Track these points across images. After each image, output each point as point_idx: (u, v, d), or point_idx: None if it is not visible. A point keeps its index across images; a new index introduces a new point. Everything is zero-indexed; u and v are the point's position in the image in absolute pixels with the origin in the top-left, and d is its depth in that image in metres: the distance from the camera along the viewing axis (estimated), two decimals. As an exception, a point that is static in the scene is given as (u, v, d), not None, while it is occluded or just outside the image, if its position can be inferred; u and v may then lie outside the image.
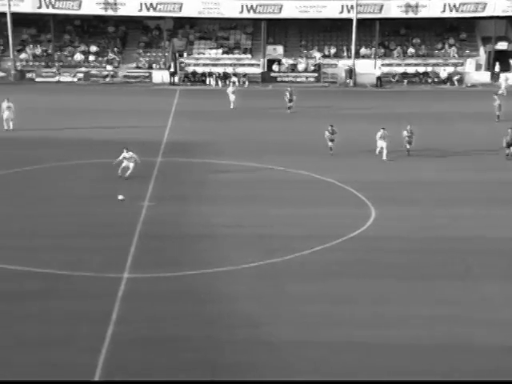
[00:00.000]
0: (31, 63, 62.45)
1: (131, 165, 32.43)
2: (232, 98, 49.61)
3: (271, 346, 18.59)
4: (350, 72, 60.79)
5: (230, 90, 50.54)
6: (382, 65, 61.18)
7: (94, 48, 63.59)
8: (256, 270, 23.47)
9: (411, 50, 62.55)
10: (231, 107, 49.17)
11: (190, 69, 61.80)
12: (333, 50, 62.88)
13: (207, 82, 60.96)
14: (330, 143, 37.17)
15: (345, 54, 62.36)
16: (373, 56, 61.92)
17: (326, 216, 28.48)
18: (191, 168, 35.17)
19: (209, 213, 28.76)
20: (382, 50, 62.55)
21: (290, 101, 48.69)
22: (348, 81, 60.69)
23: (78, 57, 62.95)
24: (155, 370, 17.40)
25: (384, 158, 35.97)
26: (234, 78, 60.80)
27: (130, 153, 32.60)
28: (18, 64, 61.95)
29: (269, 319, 20.04)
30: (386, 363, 17.88)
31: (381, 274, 23.16)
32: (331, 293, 21.76)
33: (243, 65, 62.20)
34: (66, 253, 24.51)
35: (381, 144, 36.53)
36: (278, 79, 61.58)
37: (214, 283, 22.53)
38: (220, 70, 61.59)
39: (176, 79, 61.15)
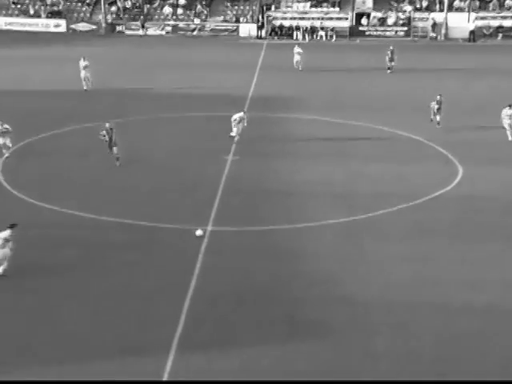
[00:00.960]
0: (121, 16, 63.30)
1: (234, 129, 31.33)
2: (297, 58, 46.32)
3: (351, 305, 18.54)
4: (434, 26, 58.95)
5: (296, 50, 46.99)
6: (476, 18, 59.03)
7: (182, 1, 63.83)
8: (338, 228, 23.37)
9: (508, 2, 60.00)
10: (299, 68, 46.21)
11: (278, 22, 61.30)
12: (425, 3, 61.07)
13: (294, 36, 60.37)
14: (437, 117, 33.66)
15: (437, 6, 60.43)
16: (467, 9, 59.75)
17: (412, 174, 27.97)
18: (276, 123, 35.08)
19: (292, 169, 28.71)
20: (477, 3, 60.28)
21: (391, 60, 46.03)
22: (432, 34, 58.87)
23: (167, 10, 63.39)
24: (235, 324, 17.66)
25: (510, 138, 31.97)
26: (321, 32, 60.02)
27: (245, 114, 31.53)
28: (108, 17, 62.90)
29: (349, 278, 19.97)
30: (467, 326, 17.58)
31: (466, 235, 22.66)
32: (414, 252, 21.45)
33: (331, 18, 61.24)
34: (153, 206, 24.99)
35: (507, 122, 32.23)
36: (367, 33, 60.45)
37: (295, 239, 22.58)
38: (307, 23, 60.86)
39: (263, 33, 60.84)
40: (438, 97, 33.86)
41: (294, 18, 61.43)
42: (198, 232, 21.90)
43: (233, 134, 31.26)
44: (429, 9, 60.61)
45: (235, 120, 31.22)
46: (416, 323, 17.76)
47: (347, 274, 20.21)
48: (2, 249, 19.44)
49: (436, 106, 33.80)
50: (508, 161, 29.56)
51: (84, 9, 64.36)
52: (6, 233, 19.47)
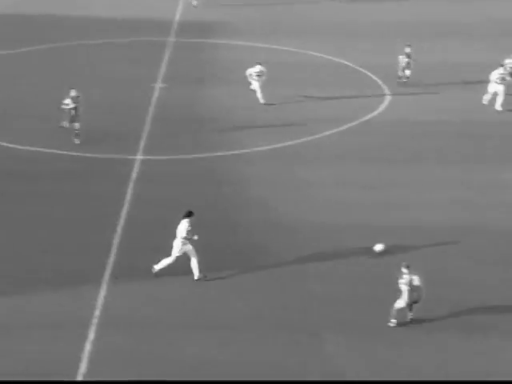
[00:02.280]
0: None
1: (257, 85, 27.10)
2: None
3: (283, 228, 18.76)
4: None
5: None
6: None
7: None
8: (269, 153, 23.41)
9: None
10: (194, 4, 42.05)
11: None
12: None
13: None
14: (406, 71, 29.36)
15: None
16: None
17: (340, 99, 28.07)
18: (206, 48, 34.44)
19: (223, 95, 28.40)
20: None
21: None
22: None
23: None
24: (169, 250, 17.62)
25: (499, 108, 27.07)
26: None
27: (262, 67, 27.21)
28: None
29: (281, 202, 20.13)
30: (392, 242, 18.04)
31: (393, 158, 23.03)
32: (342, 176, 21.74)
33: None
34: (82, 136, 24.39)
35: (494, 88, 26.83)
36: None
37: (226, 166, 22.55)
38: None
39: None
40: (408, 49, 29.42)
41: None
42: None
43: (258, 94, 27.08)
44: None
45: (251, 75, 27.02)
46: (346, 243, 18.11)
47: (277, 198, 20.35)
48: (183, 245, 16.43)
49: (405, 60, 29.41)
50: (436, 84, 29.88)
51: None
52: (185, 224, 16.41)
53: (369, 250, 17.65)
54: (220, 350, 14.22)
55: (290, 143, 24.08)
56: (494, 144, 24.16)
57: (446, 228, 18.81)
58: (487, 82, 27.11)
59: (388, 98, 28.27)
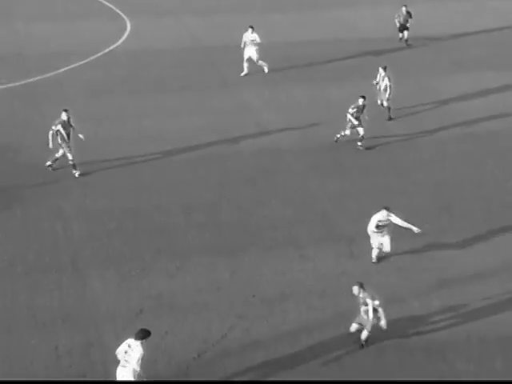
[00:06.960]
0: None
1: None
2: None
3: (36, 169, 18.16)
4: None
5: None
6: None
7: None
8: (12, 92, 22.35)
9: None
10: None
11: None
12: None
13: None
14: None
15: None
16: None
17: (81, 31, 27.31)
18: None
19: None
20: None
21: None
22: None
23: None
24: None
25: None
26: None
27: None
28: None
29: (33, 142, 19.34)
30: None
31: (143, 89, 22.99)
32: (95, 112, 21.26)
33: None
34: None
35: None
36: None
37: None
38: None
39: None
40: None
41: None
42: None
43: None
44: None
45: None
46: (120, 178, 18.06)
47: (30, 140, 19.53)
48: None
49: None
50: (170, 9, 29.69)
51: None
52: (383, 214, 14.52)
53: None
54: None
55: (33, 79, 23.14)
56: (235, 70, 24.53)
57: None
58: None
59: (128, 28, 27.97)
